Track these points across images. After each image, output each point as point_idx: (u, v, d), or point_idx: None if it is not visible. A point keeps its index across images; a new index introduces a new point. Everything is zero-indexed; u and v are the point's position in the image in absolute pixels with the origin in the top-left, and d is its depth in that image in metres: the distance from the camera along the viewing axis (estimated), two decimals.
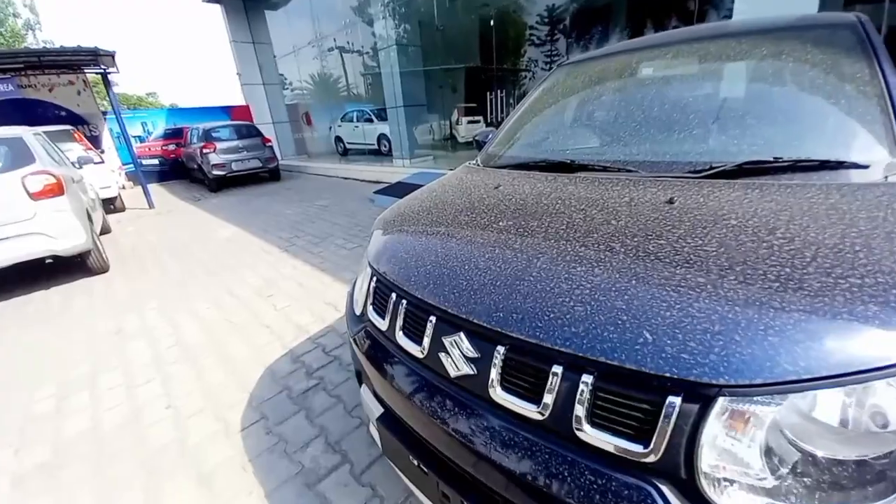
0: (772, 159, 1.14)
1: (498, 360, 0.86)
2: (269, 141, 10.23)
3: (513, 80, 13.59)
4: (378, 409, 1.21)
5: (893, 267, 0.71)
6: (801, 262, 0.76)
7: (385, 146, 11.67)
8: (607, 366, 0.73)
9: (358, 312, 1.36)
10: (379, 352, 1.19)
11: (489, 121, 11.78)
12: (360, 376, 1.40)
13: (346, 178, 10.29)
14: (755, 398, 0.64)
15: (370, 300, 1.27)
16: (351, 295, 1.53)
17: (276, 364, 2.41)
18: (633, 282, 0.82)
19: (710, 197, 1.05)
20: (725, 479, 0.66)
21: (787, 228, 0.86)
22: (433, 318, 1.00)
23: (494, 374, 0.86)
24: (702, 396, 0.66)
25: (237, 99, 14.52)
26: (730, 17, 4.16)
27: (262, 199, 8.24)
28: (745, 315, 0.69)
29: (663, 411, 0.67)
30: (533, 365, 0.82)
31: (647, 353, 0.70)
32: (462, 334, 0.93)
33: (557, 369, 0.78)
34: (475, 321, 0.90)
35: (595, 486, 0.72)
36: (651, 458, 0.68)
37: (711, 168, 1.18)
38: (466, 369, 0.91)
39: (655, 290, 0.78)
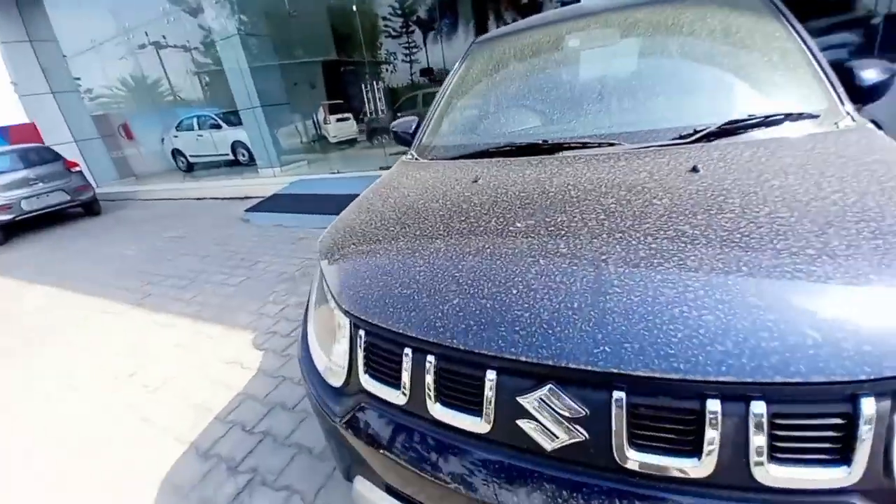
0: (747, 117, 1.13)
1: (620, 410, 0.60)
2: (76, 165, 7.81)
3: (377, 73, 13.19)
4: None
5: None
6: (878, 219, 0.71)
7: (244, 155, 10.10)
8: (782, 385, 0.54)
9: (338, 384, 0.94)
10: (398, 436, 0.81)
11: (361, 117, 11.19)
12: (350, 469, 0.98)
13: (199, 199, 8.57)
14: None
15: (361, 364, 0.87)
16: (307, 358, 1.07)
17: (175, 471, 1.70)
18: (750, 271, 0.65)
19: (728, 161, 0.98)
20: None
21: (822, 182, 0.83)
22: (492, 374, 0.68)
23: (618, 430, 0.60)
24: (893, 391, 0.53)
25: (17, 116, 10.68)
26: None
27: (83, 242, 6.25)
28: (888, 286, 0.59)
29: (862, 418, 0.53)
30: (676, 407, 0.59)
31: (822, 357, 0.54)
32: (552, 387, 0.64)
33: (715, 405, 0.56)
34: (568, 365, 0.62)
35: None
36: (854, 479, 0.54)
37: (696, 132, 1.12)
38: (570, 435, 0.63)
39: (785, 278, 0.62)
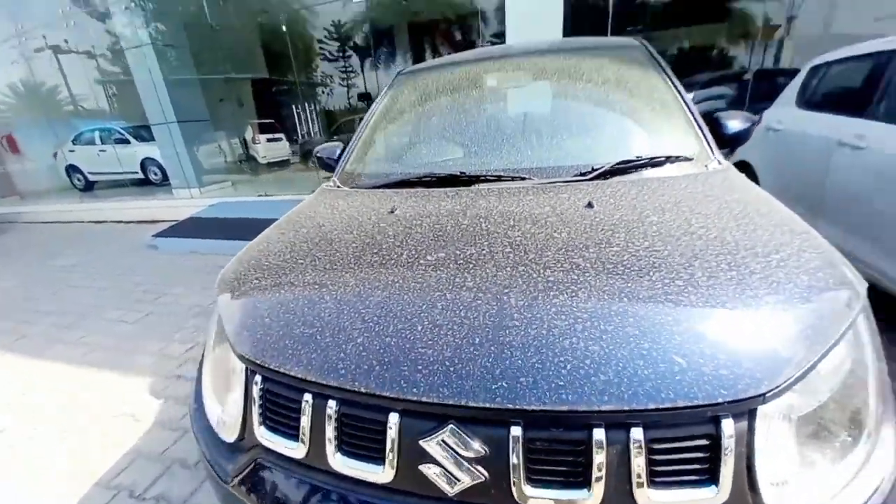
0: (635, 158, 1.26)
1: (517, 447, 0.60)
2: None
3: (313, 95, 12.95)
4: None
5: (780, 248, 0.82)
6: (727, 247, 0.82)
7: (155, 174, 9.18)
8: (655, 411, 0.58)
9: (231, 438, 0.83)
10: (294, 496, 0.73)
11: (295, 138, 10.83)
12: None
13: (99, 222, 7.57)
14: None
15: (256, 414, 0.78)
16: (199, 409, 0.95)
17: None
18: (630, 301, 0.70)
19: (616, 197, 1.08)
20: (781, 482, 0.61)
21: (692, 219, 0.93)
22: (394, 417, 0.65)
23: (516, 467, 0.60)
24: (749, 411, 0.60)
25: None
26: (501, 38, 4.89)
27: None
28: (744, 313, 0.68)
29: (724, 439, 0.58)
30: (566, 439, 0.60)
31: (686, 383, 0.59)
32: (452, 427, 0.62)
33: (600, 434, 0.58)
34: (468, 404, 0.61)
35: None
36: (723, 498, 0.58)
37: (593, 170, 1.23)
38: (471, 476, 0.62)
39: (657, 307, 0.69)
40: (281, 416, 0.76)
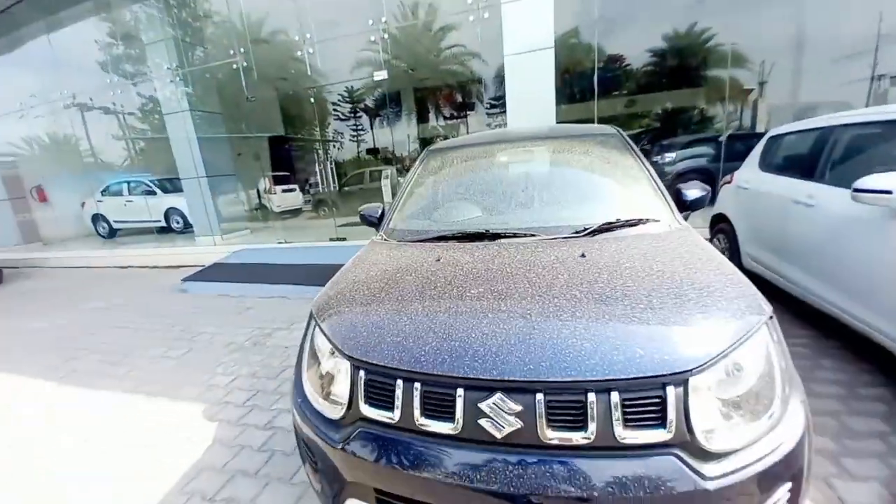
0: (616, 220, 1.70)
1: (540, 406, 0.96)
2: None
3: (325, 150, 13.92)
4: None
5: (711, 283, 1.22)
6: (677, 282, 1.22)
7: (178, 222, 9.77)
8: (627, 380, 0.96)
9: (337, 416, 1.18)
10: (393, 447, 1.08)
11: (307, 189, 11.59)
12: (339, 495, 1.18)
13: (123, 267, 7.99)
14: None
15: (362, 396, 1.14)
16: (304, 402, 1.30)
17: None
18: (609, 317, 1.10)
19: (602, 249, 1.49)
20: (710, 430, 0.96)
21: (654, 265, 1.34)
22: (460, 391, 1.02)
23: (542, 419, 0.96)
24: (684, 381, 0.96)
25: None
26: (499, 101, 5.60)
27: None
28: (676, 319, 1.07)
29: (668, 399, 0.94)
30: (572, 399, 0.97)
31: (645, 363, 0.97)
32: (500, 395, 0.99)
33: (592, 396, 0.95)
34: (510, 379, 0.99)
35: (644, 473, 0.91)
36: (670, 436, 0.93)
37: (585, 229, 1.67)
38: (513, 425, 0.97)
39: (627, 320, 1.08)
40: (380, 396, 1.13)
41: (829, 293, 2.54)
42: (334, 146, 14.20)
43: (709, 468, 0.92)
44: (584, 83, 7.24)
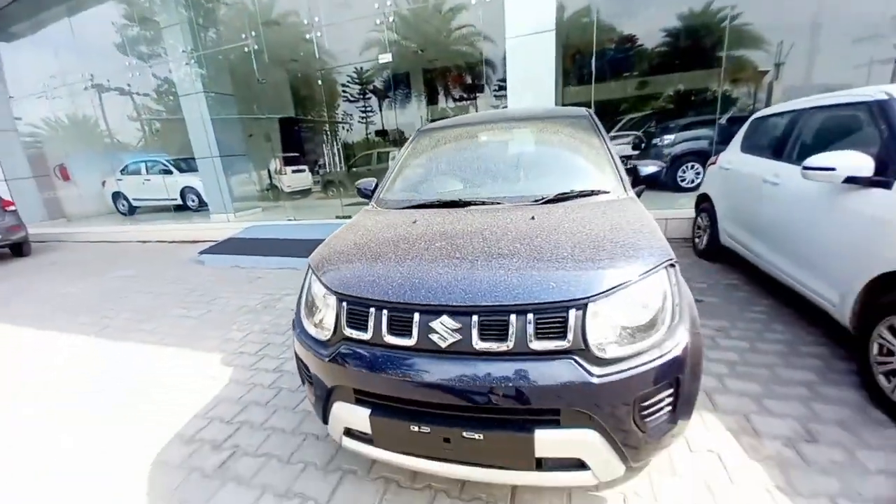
0: (570, 191, 1.97)
1: (476, 324, 1.27)
2: (11, 204, 7.53)
3: (334, 131, 14.13)
4: (364, 411, 1.40)
5: (627, 238, 1.48)
6: (600, 237, 1.49)
7: (193, 200, 10.21)
8: (540, 304, 1.25)
9: (325, 338, 1.51)
10: (366, 357, 1.39)
11: (316, 170, 11.90)
12: (329, 398, 1.52)
13: (144, 242, 8.48)
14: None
15: (345, 321, 1.46)
16: (302, 329, 1.63)
17: (166, 451, 2.02)
18: (538, 260, 1.39)
19: (551, 213, 1.77)
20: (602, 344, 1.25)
21: (587, 226, 1.61)
22: (417, 314, 1.33)
23: (475, 333, 1.27)
24: (584, 306, 1.25)
25: None
26: (505, 82, 5.72)
27: (15, 281, 5.99)
28: (587, 264, 1.35)
29: (570, 319, 1.23)
30: (499, 319, 1.27)
31: (554, 291, 1.26)
32: (445, 316, 1.30)
33: (513, 318, 1.25)
34: (454, 304, 1.29)
35: (547, 371, 1.22)
36: (569, 345, 1.23)
37: (543, 198, 1.94)
38: (454, 338, 1.29)
39: (550, 262, 1.37)
40: (358, 320, 1.44)
41: (785, 264, 2.78)
42: (343, 128, 14.40)
43: (597, 370, 1.21)
44: (597, 64, 7.30)
